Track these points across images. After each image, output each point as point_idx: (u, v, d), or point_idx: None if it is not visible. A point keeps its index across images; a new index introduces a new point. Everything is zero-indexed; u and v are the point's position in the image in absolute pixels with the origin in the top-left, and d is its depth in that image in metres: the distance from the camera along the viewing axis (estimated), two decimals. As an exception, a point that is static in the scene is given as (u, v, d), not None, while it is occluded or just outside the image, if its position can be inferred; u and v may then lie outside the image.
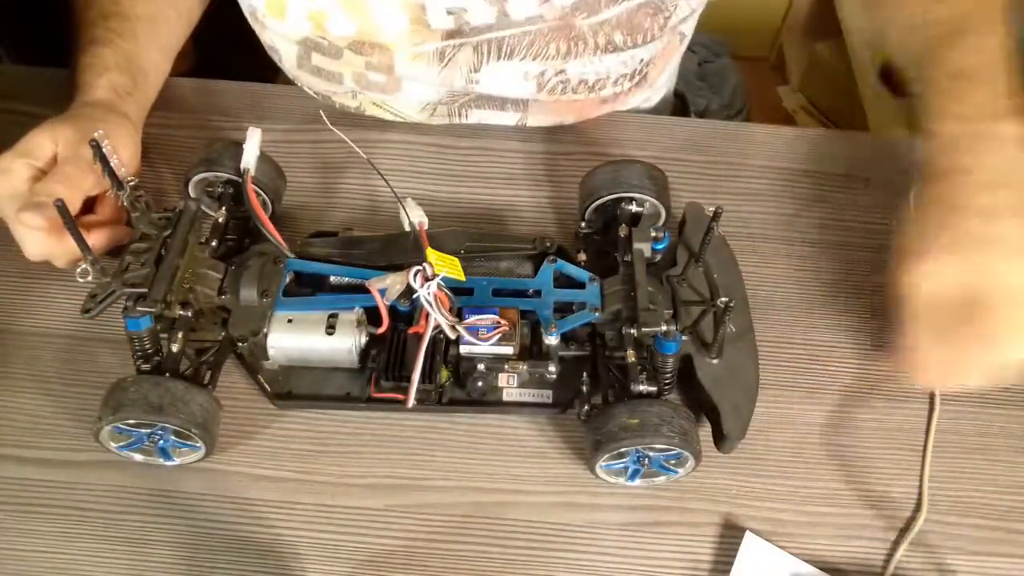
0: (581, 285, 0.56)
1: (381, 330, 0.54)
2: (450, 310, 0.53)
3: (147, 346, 0.51)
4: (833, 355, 0.60)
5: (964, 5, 0.52)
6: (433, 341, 0.53)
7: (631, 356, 0.53)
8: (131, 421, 0.50)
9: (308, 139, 0.69)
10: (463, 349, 0.53)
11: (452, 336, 0.53)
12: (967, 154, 0.49)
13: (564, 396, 0.56)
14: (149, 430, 0.51)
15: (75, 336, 0.59)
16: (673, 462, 0.52)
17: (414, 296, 0.53)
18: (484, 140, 0.69)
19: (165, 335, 0.53)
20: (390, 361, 0.54)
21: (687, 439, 0.49)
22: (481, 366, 0.54)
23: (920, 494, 0.55)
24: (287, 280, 0.55)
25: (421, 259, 0.53)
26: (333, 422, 0.56)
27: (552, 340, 0.53)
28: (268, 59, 0.71)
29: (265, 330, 0.53)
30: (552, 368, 0.53)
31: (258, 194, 0.59)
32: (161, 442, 0.51)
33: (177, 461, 0.54)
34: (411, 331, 0.53)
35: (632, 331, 0.53)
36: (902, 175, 0.69)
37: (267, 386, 0.56)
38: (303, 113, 0.70)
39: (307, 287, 0.57)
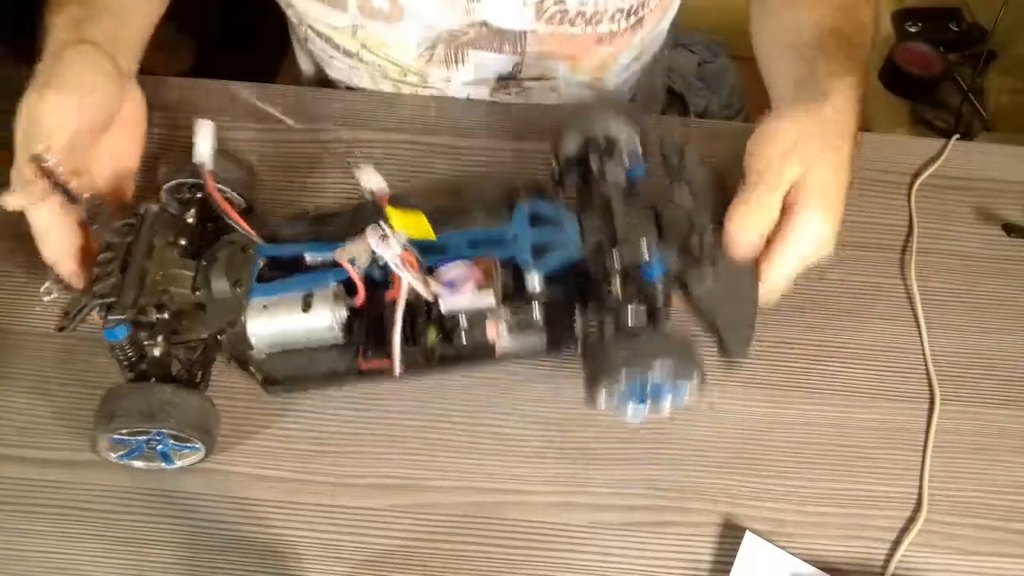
0: (560, 224, 0.54)
1: (358, 302, 0.52)
2: (420, 269, 0.51)
3: (130, 354, 0.51)
4: (833, 355, 0.60)
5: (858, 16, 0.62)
6: (413, 304, 0.51)
7: (618, 287, 0.50)
8: (125, 431, 0.49)
9: (295, 138, 0.69)
10: (443, 306, 0.51)
11: (427, 295, 0.51)
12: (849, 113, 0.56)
13: (557, 339, 0.53)
14: (146, 437, 0.50)
15: (75, 336, 0.59)
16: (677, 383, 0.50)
17: (382, 262, 0.51)
18: (483, 140, 0.69)
19: (150, 341, 0.52)
20: (372, 331, 0.52)
21: (685, 358, 0.48)
22: (464, 320, 0.52)
23: (920, 494, 0.55)
24: (259, 266, 0.54)
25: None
26: (334, 422, 0.56)
27: (534, 282, 0.51)
28: (268, 58, 0.71)
29: (242, 319, 0.52)
30: (537, 311, 0.51)
31: (221, 189, 0.57)
32: (160, 447, 0.51)
33: (179, 464, 0.54)
34: (388, 297, 0.52)
35: (616, 262, 0.51)
36: (902, 175, 0.69)
37: (256, 374, 0.55)
38: (301, 112, 0.70)
39: (283, 271, 0.55)
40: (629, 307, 0.50)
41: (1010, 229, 0.66)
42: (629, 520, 0.54)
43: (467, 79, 0.73)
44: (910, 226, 0.66)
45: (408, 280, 0.50)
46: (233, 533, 0.53)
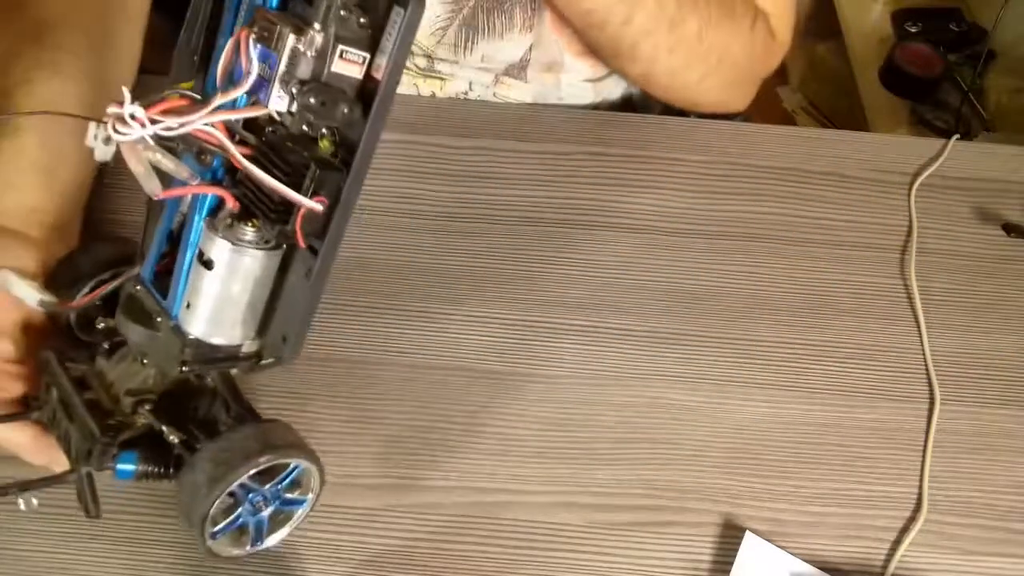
0: None
1: (231, 205, 0.42)
2: (201, 104, 0.39)
3: (158, 467, 0.47)
4: (833, 355, 0.60)
5: None
6: (272, 144, 0.40)
7: None
8: (217, 510, 0.44)
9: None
10: (274, 105, 0.38)
11: (251, 113, 0.39)
12: None
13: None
14: (246, 499, 0.45)
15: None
16: None
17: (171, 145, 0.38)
18: (484, 140, 0.69)
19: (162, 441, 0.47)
20: (264, 208, 0.40)
21: None
22: (306, 91, 0.38)
23: (920, 494, 0.55)
24: (151, 289, 0.46)
25: None
26: (333, 422, 0.56)
27: None
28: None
29: (189, 334, 0.45)
30: None
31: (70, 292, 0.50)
32: (264, 500, 0.47)
33: (308, 498, 0.49)
34: (236, 166, 0.40)
35: None
36: (902, 175, 0.69)
37: (269, 361, 0.47)
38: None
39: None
40: None
41: (1010, 229, 0.66)
42: (629, 520, 0.54)
43: (475, 65, 0.72)
44: (910, 226, 0.66)
45: (201, 124, 0.38)
46: (233, 533, 0.53)
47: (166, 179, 0.40)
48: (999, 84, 1.29)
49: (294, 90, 0.38)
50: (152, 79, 0.67)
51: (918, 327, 0.62)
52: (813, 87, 1.55)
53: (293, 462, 0.46)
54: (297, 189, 0.39)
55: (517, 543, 0.53)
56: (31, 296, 0.49)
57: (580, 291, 0.62)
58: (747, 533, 0.53)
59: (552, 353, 0.59)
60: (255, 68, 0.37)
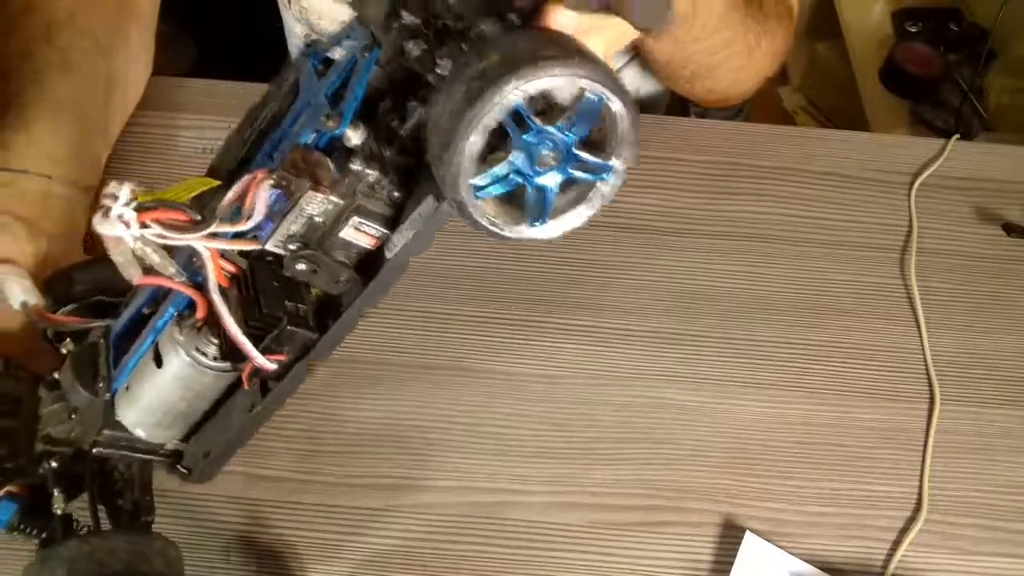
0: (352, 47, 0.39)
1: (200, 313, 0.39)
2: (193, 221, 0.36)
3: (33, 528, 0.44)
4: (833, 355, 0.60)
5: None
6: (259, 276, 0.37)
7: (443, 68, 0.34)
8: None
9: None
10: (270, 247, 0.37)
11: (242, 246, 0.36)
12: None
13: (428, 185, 0.35)
14: None
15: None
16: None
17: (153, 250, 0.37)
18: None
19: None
20: (223, 339, 0.39)
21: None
22: (297, 264, 0.36)
23: (920, 494, 0.55)
24: (111, 349, 0.43)
25: None
26: (333, 422, 0.56)
27: (353, 135, 0.35)
28: (269, 58, 0.71)
29: (116, 416, 0.42)
30: (363, 168, 0.35)
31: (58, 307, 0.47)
32: None
33: None
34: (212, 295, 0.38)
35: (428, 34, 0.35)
36: (902, 175, 0.69)
37: (184, 469, 0.45)
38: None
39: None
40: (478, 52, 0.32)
41: (1010, 229, 0.66)
42: (629, 520, 0.54)
43: None
44: (910, 226, 0.66)
45: (187, 244, 0.36)
46: (233, 533, 0.53)
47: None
48: (999, 84, 1.29)
49: (291, 247, 0.36)
50: (156, 80, 0.67)
51: (918, 327, 0.62)
52: (813, 87, 1.55)
53: None
54: (262, 335, 0.37)
55: (517, 543, 0.53)
56: (16, 296, 0.47)
57: (580, 291, 0.62)
58: (747, 533, 0.53)
59: (552, 353, 0.59)
60: (259, 215, 0.35)
